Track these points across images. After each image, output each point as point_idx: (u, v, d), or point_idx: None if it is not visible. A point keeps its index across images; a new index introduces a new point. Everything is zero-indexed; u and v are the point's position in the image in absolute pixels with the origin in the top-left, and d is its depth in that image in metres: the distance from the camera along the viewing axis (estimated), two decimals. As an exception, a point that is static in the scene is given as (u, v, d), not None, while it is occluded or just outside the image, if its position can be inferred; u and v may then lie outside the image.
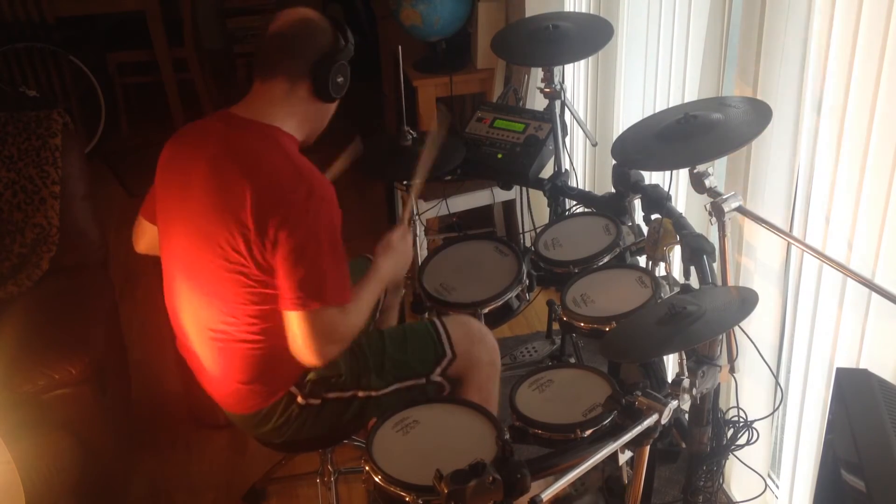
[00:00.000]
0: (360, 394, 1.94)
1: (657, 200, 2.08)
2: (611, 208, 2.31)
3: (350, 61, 1.84)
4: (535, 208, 2.84)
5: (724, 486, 2.26)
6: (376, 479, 1.61)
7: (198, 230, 1.78)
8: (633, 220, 2.31)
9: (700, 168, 1.83)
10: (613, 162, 2.12)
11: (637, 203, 2.25)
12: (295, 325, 1.74)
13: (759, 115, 1.78)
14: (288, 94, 1.79)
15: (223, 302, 1.80)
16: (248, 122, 1.79)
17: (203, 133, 1.83)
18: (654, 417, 1.53)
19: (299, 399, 1.90)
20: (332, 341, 1.78)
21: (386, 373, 1.95)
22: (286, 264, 1.71)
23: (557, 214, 2.54)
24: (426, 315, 2.24)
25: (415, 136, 2.38)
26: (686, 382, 1.63)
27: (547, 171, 2.53)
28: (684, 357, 1.64)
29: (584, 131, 2.80)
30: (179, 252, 1.86)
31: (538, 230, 2.42)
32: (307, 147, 1.87)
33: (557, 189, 2.48)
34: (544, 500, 1.40)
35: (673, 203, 2.09)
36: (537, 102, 2.85)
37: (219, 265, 1.76)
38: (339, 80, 1.81)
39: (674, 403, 1.55)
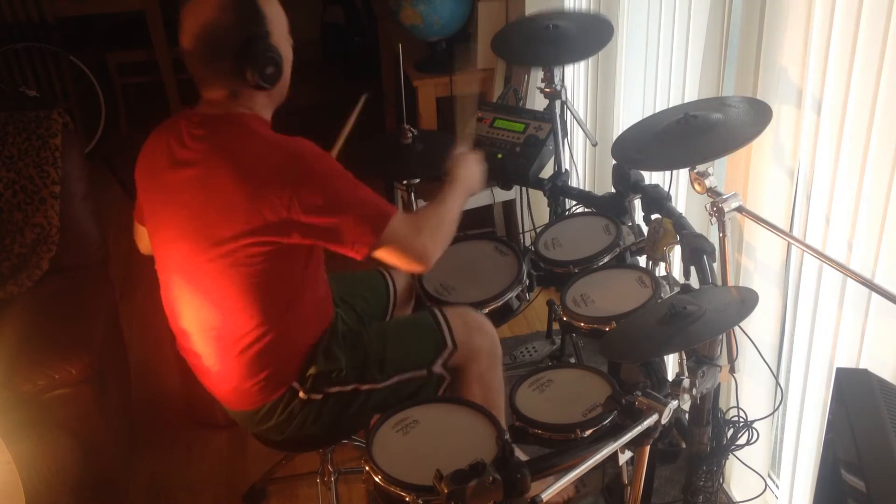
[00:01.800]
0: (362, 387, 1.94)
1: (657, 200, 2.09)
2: (611, 208, 2.31)
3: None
4: (535, 208, 2.84)
5: (724, 486, 2.26)
6: (376, 479, 1.62)
7: (195, 234, 1.78)
8: (633, 220, 2.31)
9: (700, 168, 1.83)
10: (613, 162, 2.12)
11: (637, 203, 2.25)
12: (385, 255, 1.77)
13: (759, 115, 1.78)
14: (234, 95, 1.77)
15: (224, 301, 1.80)
16: (216, 116, 1.78)
17: (177, 136, 1.81)
18: (654, 417, 1.53)
19: (301, 394, 1.90)
20: (426, 236, 1.81)
21: (387, 365, 1.95)
22: (330, 225, 1.72)
23: (557, 214, 2.54)
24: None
25: (415, 135, 2.39)
26: (686, 382, 1.63)
27: (547, 171, 2.53)
28: (684, 357, 1.65)
29: (584, 131, 2.80)
30: (173, 254, 1.85)
31: (538, 230, 2.42)
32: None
33: (557, 189, 2.48)
34: (544, 500, 1.40)
35: (673, 203, 2.09)
36: (537, 102, 2.85)
37: (219, 264, 1.76)
38: (270, 70, 1.73)
39: (674, 403, 1.55)
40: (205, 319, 1.85)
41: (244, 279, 1.77)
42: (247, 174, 1.72)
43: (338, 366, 1.91)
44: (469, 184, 2.02)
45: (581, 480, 2.01)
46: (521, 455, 1.94)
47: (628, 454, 1.60)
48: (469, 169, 2.04)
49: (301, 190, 1.70)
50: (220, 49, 1.72)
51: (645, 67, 2.55)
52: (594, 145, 2.83)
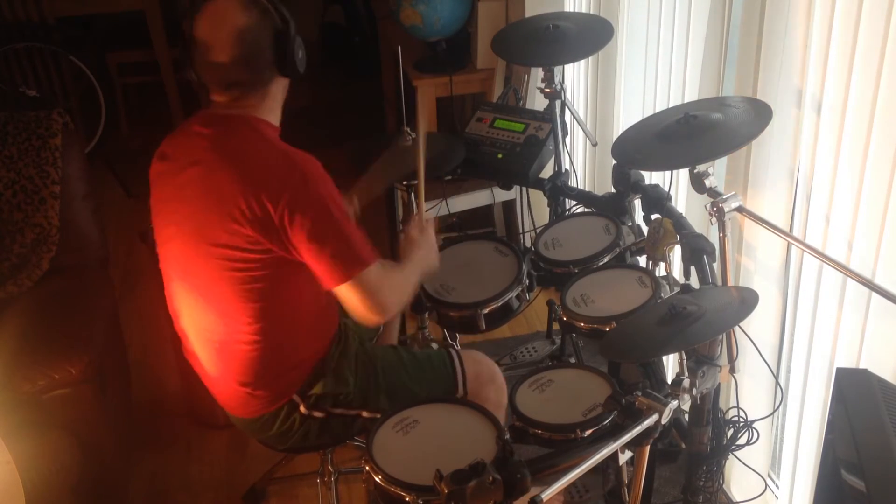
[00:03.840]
0: (365, 414, 1.94)
1: (657, 200, 2.09)
2: (611, 208, 2.31)
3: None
4: (535, 208, 2.84)
5: (724, 486, 2.26)
6: (376, 479, 1.61)
7: (192, 233, 1.78)
8: (633, 220, 2.31)
9: (700, 168, 1.83)
10: (613, 162, 2.12)
11: (637, 203, 2.25)
12: (348, 296, 1.76)
13: (759, 115, 1.78)
14: (264, 97, 1.79)
15: (219, 303, 1.80)
16: (230, 117, 1.79)
17: (188, 136, 1.82)
18: (654, 417, 1.53)
19: (302, 409, 1.89)
20: (390, 292, 1.80)
21: (396, 398, 1.93)
22: (313, 247, 1.72)
23: (557, 214, 2.54)
24: (443, 342, 2.22)
25: (415, 136, 2.39)
26: (686, 382, 1.63)
27: (547, 171, 2.53)
28: (684, 357, 1.64)
29: (584, 131, 2.80)
30: (175, 256, 1.86)
31: (538, 230, 2.42)
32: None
33: (557, 189, 2.48)
34: (544, 500, 1.40)
35: (673, 203, 2.09)
36: (537, 102, 2.85)
37: (214, 266, 1.76)
38: (300, 56, 1.79)
39: (674, 403, 1.55)
40: (201, 321, 1.85)
41: (240, 283, 1.76)
42: (246, 174, 1.72)
43: (346, 389, 1.91)
44: (424, 265, 1.99)
45: (584, 486, 2.01)
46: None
47: (628, 454, 1.60)
48: (422, 252, 1.99)
49: (296, 206, 1.69)
50: (259, 47, 1.73)
51: (645, 67, 2.55)
52: (594, 145, 2.83)
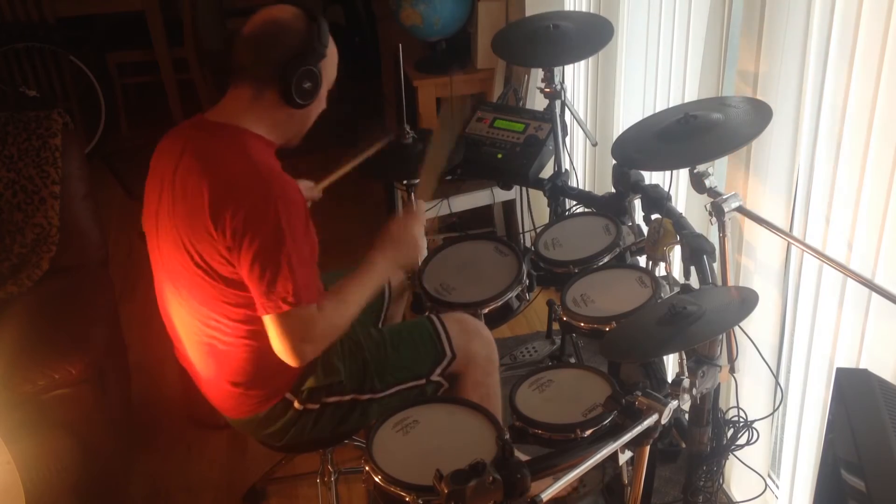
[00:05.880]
0: (361, 397, 1.94)
1: (657, 200, 2.08)
2: (611, 208, 2.31)
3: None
4: (535, 208, 2.84)
5: (724, 486, 2.26)
6: (376, 479, 1.62)
7: (172, 236, 1.77)
8: (633, 220, 2.31)
9: (700, 168, 1.83)
10: (613, 162, 2.12)
11: (637, 203, 2.25)
12: (270, 327, 1.72)
13: (759, 115, 1.78)
14: (254, 100, 1.75)
15: (205, 307, 1.79)
16: (219, 125, 1.77)
17: (176, 139, 1.81)
18: (654, 417, 1.53)
19: (296, 405, 1.89)
20: (308, 340, 1.74)
21: (387, 375, 1.95)
22: (253, 269, 1.68)
23: (557, 214, 2.54)
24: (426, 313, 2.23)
25: (415, 135, 2.38)
26: (686, 382, 1.63)
27: (547, 171, 2.53)
28: (684, 357, 1.64)
29: (584, 131, 2.80)
30: (163, 259, 1.85)
31: (538, 230, 2.42)
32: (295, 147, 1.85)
33: (557, 189, 2.48)
34: (544, 500, 1.40)
35: (673, 203, 2.09)
36: (537, 102, 2.85)
37: (193, 270, 1.75)
38: (307, 85, 1.73)
39: (674, 403, 1.55)
40: (189, 325, 1.85)
41: (221, 288, 1.75)
42: (214, 184, 1.69)
43: (337, 378, 1.90)
44: (385, 274, 1.93)
45: (581, 480, 2.01)
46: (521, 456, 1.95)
47: (628, 454, 1.60)
48: (391, 253, 1.92)
49: (249, 224, 1.66)
50: (276, 48, 1.71)
51: (645, 67, 2.55)
52: (594, 145, 2.83)
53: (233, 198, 1.67)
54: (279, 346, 1.73)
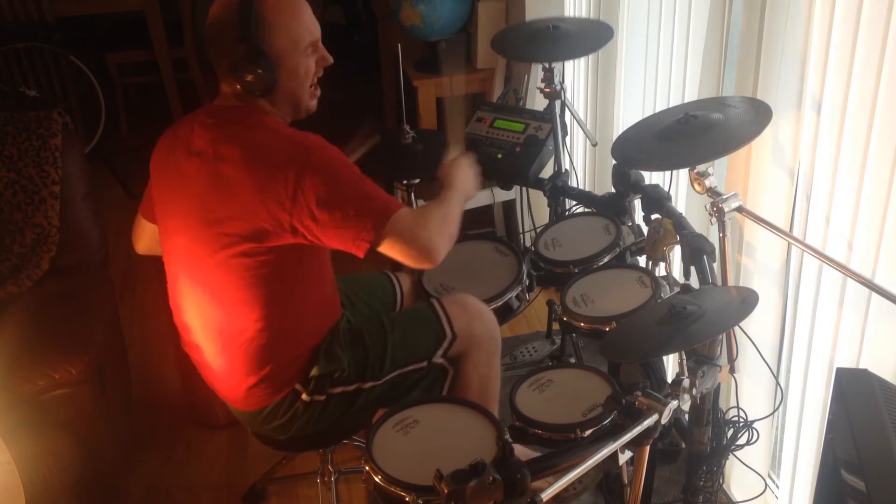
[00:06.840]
0: (365, 385, 1.94)
1: (657, 200, 2.08)
2: (611, 208, 2.31)
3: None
4: (535, 208, 2.84)
5: (724, 486, 2.26)
6: (376, 479, 1.62)
7: (197, 223, 1.78)
8: (633, 220, 2.31)
9: (700, 168, 1.83)
10: (613, 162, 2.12)
11: (637, 203, 2.25)
12: (390, 250, 1.75)
13: (759, 115, 1.78)
14: (239, 90, 1.76)
15: (222, 293, 1.80)
16: (231, 107, 1.80)
17: (191, 127, 1.82)
18: (654, 417, 1.53)
19: (304, 396, 1.90)
20: (431, 231, 1.77)
21: (388, 360, 1.95)
22: (332, 213, 1.70)
23: (557, 214, 2.54)
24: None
25: (414, 135, 2.39)
26: (686, 382, 1.63)
27: (547, 171, 2.53)
28: (684, 357, 1.64)
29: (584, 131, 2.80)
30: (179, 249, 1.86)
31: (538, 230, 2.42)
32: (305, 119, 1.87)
33: (557, 189, 2.48)
34: (544, 500, 1.40)
35: (673, 203, 2.09)
36: (537, 102, 2.85)
37: (221, 255, 1.76)
38: (249, 78, 1.72)
39: (674, 403, 1.55)
40: (207, 313, 1.85)
41: (246, 274, 1.77)
42: (253, 164, 1.72)
43: (339, 366, 1.91)
44: (465, 188, 2.00)
45: (578, 478, 2.01)
46: (531, 452, 1.95)
47: (628, 454, 1.60)
48: (463, 173, 2.02)
49: (305, 180, 1.69)
50: (220, 46, 1.75)
51: (645, 67, 2.55)
52: (594, 145, 2.83)
53: (276, 167, 1.70)
54: (408, 259, 1.75)
